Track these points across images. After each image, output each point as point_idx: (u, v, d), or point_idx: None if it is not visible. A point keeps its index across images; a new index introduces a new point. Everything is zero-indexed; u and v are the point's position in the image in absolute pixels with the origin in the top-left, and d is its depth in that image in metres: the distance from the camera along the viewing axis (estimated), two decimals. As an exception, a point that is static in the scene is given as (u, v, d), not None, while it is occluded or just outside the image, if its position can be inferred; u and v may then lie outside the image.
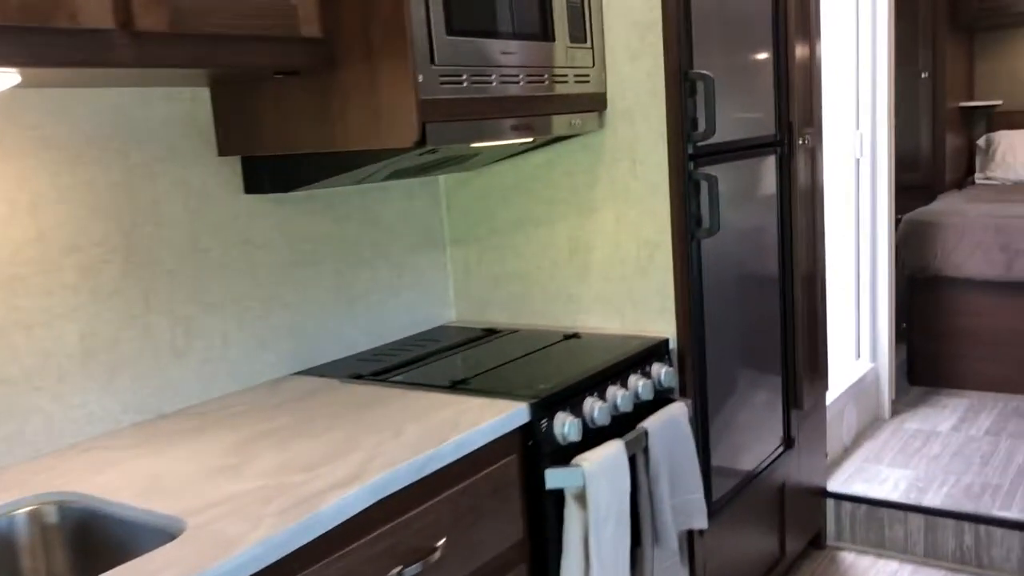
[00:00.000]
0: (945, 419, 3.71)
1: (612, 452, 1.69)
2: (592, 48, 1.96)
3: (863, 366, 3.70)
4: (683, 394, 2.07)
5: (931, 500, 2.90)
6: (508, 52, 1.72)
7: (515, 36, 1.74)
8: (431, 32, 1.54)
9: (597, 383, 1.80)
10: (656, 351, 1.99)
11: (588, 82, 1.96)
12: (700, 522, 1.95)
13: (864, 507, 2.90)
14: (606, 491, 1.65)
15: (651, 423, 1.83)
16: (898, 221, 4.10)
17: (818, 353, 2.76)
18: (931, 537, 2.80)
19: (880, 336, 3.75)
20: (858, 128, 3.60)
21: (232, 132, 1.77)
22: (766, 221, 2.44)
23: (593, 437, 1.74)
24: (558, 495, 1.66)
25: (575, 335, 2.13)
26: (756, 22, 2.33)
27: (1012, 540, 2.67)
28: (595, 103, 2.00)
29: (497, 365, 1.91)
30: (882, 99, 3.56)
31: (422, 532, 1.41)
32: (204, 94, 1.77)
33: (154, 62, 1.32)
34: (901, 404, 3.93)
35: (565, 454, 1.68)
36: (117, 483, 1.38)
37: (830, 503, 2.97)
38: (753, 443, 2.41)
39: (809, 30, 2.59)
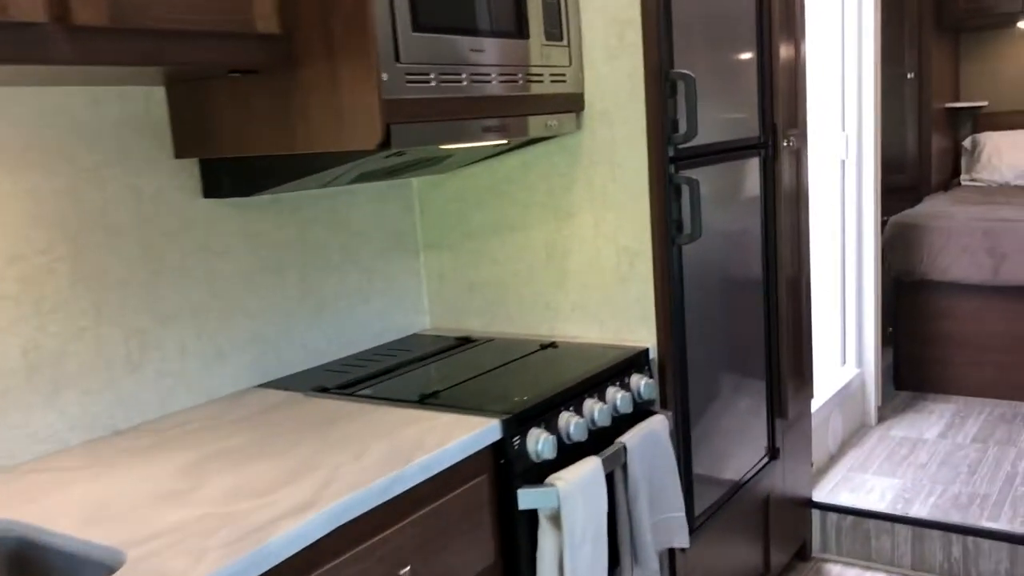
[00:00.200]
0: (932, 425, 3.65)
1: (588, 470, 1.61)
2: (569, 46, 1.88)
3: (849, 372, 3.63)
4: (664, 406, 1.99)
5: (918, 510, 2.84)
6: (479, 50, 1.64)
7: (487, 33, 1.66)
8: (396, 28, 1.45)
9: (573, 396, 1.72)
10: (635, 361, 1.92)
11: (564, 82, 1.88)
12: (681, 540, 1.87)
13: (850, 518, 2.84)
14: (582, 511, 1.57)
15: (630, 438, 1.75)
16: (884, 223, 4.04)
17: (803, 360, 2.69)
18: (918, 549, 2.73)
19: (866, 341, 3.69)
20: (843, 129, 3.53)
21: (189, 133, 1.67)
22: (750, 224, 2.37)
23: (569, 454, 1.66)
24: (532, 516, 1.58)
25: (552, 344, 2.04)
26: (739, 22, 2.26)
27: (1001, 552, 2.61)
28: (572, 104, 1.92)
29: (470, 377, 1.82)
30: (868, 100, 3.50)
31: (386, 559, 1.33)
32: (159, 93, 1.68)
33: (94, 59, 1.23)
34: (887, 410, 3.87)
35: (539, 472, 1.60)
36: (59, 509, 1.29)
37: (815, 514, 2.90)
38: (737, 454, 2.34)
39: (794, 30, 2.52)
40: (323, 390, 1.79)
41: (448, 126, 1.59)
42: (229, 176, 1.71)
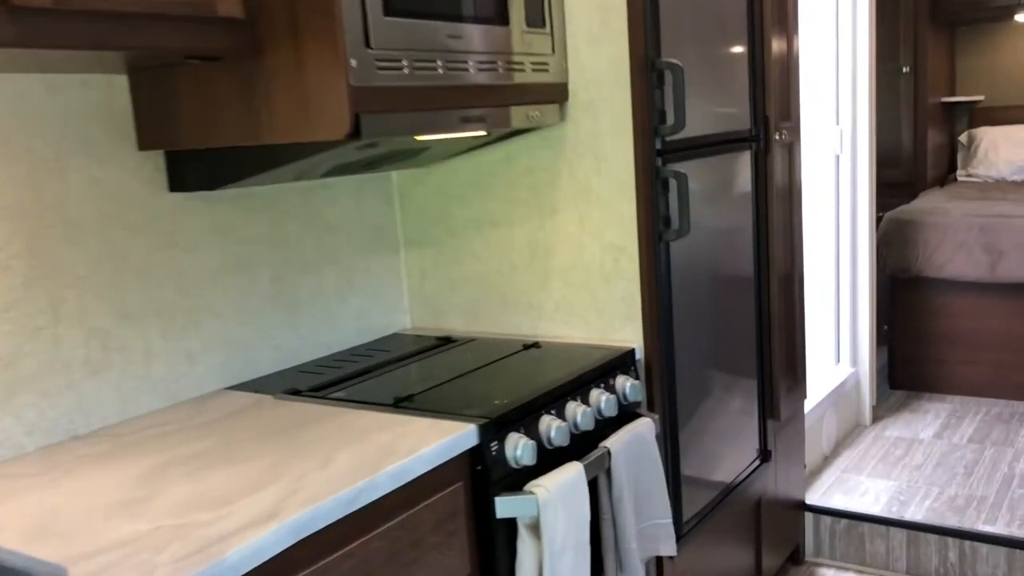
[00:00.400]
0: (928, 425, 3.59)
1: (570, 476, 1.54)
2: (551, 34, 1.81)
3: (843, 371, 3.57)
4: (650, 408, 1.92)
5: (913, 513, 2.78)
6: (456, 36, 1.56)
7: (464, 19, 1.58)
8: (365, 12, 1.38)
9: (555, 399, 1.65)
10: (621, 362, 1.84)
11: (547, 71, 1.81)
12: (668, 548, 1.80)
13: (844, 521, 2.77)
14: (563, 519, 1.50)
15: (614, 442, 1.68)
16: (879, 219, 3.98)
17: (796, 359, 2.63)
18: (913, 553, 2.67)
19: (860, 340, 3.62)
20: (838, 123, 3.46)
21: (152, 124, 1.60)
22: (741, 220, 2.30)
23: (551, 459, 1.59)
24: (511, 525, 1.51)
25: (535, 345, 1.97)
26: (731, 10, 2.19)
27: (998, 556, 2.54)
28: (555, 94, 1.85)
29: (448, 379, 1.75)
30: (863, 94, 3.43)
31: (353, 573, 1.26)
32: (121, 82, 1.60)
33: (38, 42, 1.15)
34: (882, 410, 3.80)
35: (518, 479, 1.52)
36: (6, 520, 1.22)
37: (809, 517, 2.84)
38: (727, 457, 2.27)
39: (787, 21, 2.45)
40: (295, 393, 1.72)
41: (422, 116, 1.52)
42: (194, 169, 1.63)
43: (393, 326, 2.21)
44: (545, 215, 1.98)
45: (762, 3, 2.28)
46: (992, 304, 3.82)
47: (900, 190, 4.80)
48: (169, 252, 1.69)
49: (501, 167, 2.02)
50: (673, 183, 1.88)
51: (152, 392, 1.68)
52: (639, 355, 1.91)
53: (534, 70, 1.77)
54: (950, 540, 2.62)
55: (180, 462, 1.39)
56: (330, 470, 1.31)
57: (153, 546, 1.10)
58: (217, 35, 1.37)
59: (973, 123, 5.38)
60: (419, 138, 1.61)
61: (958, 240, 3.80)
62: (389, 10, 1.42)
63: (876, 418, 3.70)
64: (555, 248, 1.99)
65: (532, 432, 1.57)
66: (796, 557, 2.80)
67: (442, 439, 1.41)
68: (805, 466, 2.86)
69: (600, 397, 1.73)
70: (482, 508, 1.49)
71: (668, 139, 1.89)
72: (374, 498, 1.28)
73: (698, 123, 2.04)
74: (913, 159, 4.92)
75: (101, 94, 1.58)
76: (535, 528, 1.49)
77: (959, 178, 5.26)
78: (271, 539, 1.12)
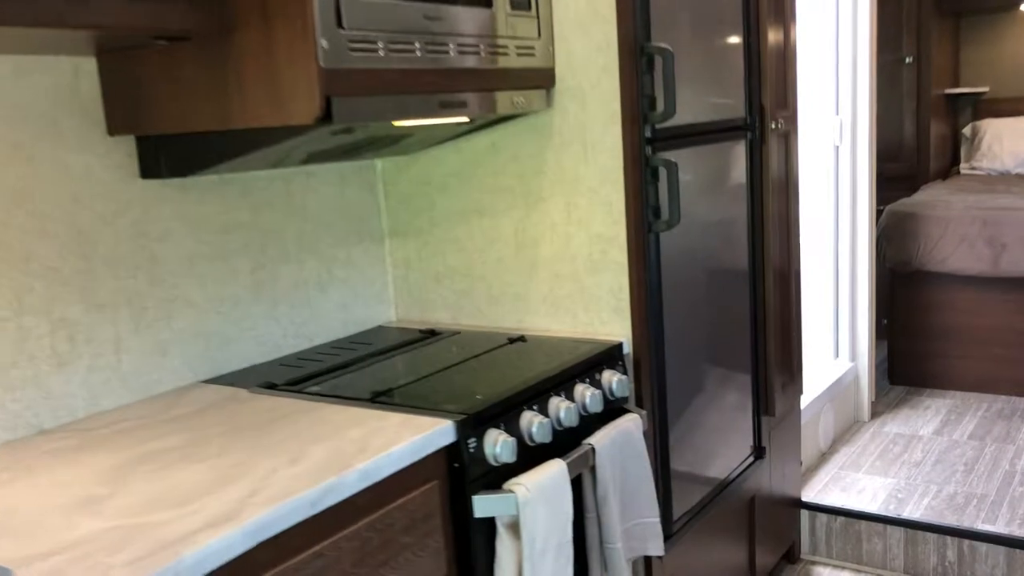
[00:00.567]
0: (927, 422, 3.53)
1: (551, 474, 1.49)
2: (537, 16, 1.75)
3: (842, 366, 3.51)
4: (639, 404, 1.87)
5: (912, 511, 2.72)
6: (435, 17, 1.51)
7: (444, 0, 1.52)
8: (338, -9, 1.32)
9: (538, 395, 1.59)
10: (608, 356, 1.79)
11: (533, 55, 1.75)
12: (655, 548, 1.75)
13: (840, 519, 2.72)
14: (544, 519, 1.45)
15: (599, 439, 1.63)
16: (880, 212, 3.91)
17: (792, 355, 2.57)
18: (911, 552, 2.62)
19: (859, 334, 3.57)
20: (837, 114, 3.40)
21: (122, 108, 1.54)
22: (735, 211, 2.24)
23: (532, 456, 1.54)
24: (490, 525, 1.46)
25: (521, 338, 1.92)
26: (725, -6, 2.13)
27: (998, 555, 2.49)
28: (541, 79, 1.79)
29: (430, 373, 1.70)
30: (863, 84, 3.36)
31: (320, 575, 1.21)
32: (89, 65, 1.55)
33: (-10, 19, 1.10)
34: (881, 405, 3.75)
35: (498, 477, 1.47)
36: (-41, 518, 1.17)
37: (805, 514, 2.78)
38: (720, 454, 2.21)
39: (784, 7, 2.39)
40: (271, 386, 1.67)
41: (399, 100, 1.46)
42: (166, 155, 1.58)
43: (377, 318, 2.16)
44: (531, 205, 1.93)
45: (759, -12, 2.22)
46: (994, 298, 3.76)
47: (902, 183, 4.73)
48: (141, 240, 1.64)
49: (486, 155, 1.96)
50: (663, 172, 1.83)
51: (123, 385, 1.63)
52: (627, 349, 1.85)
53: (519, 54, 1.72)
54: (949, 539, 2.57)
55: (146, 458, 1.34)
56: (298, 468, 1.25)
57: (109, 546, 1.05)
58: (183, 14, 1.31)
59: (977, 115, 5.31)
60: (397, 124, 1.55)
61: (960, 233, 3.74)
62: (363, -11, 1.36)
63: (875, 414, 3.64)
64: (542, 239, 1.93)
65: (513, 428, 1.52)
66: (791, 555, 2.75)
67: (416, 436, 1.36)
68: (801, 463, 2.81)
69: (585, 393, 1.68)
70: (460, 507, 1.44)
71: (658, 127, 1.83)
72: (342, 498, 1.22)
73: (690, 111, 1.98)
74: (915, 151, 4.85)
75: (69, 77, 1.52)
76: (514, 528, 1.44)
77: (962, 171, 5.19)
78: (230, 541, 1.07)
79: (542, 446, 1.57)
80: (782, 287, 2.48)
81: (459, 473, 1.43)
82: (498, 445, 1.45)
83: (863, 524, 2.68)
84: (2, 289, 1.45)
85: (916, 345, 3.95)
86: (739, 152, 2.23)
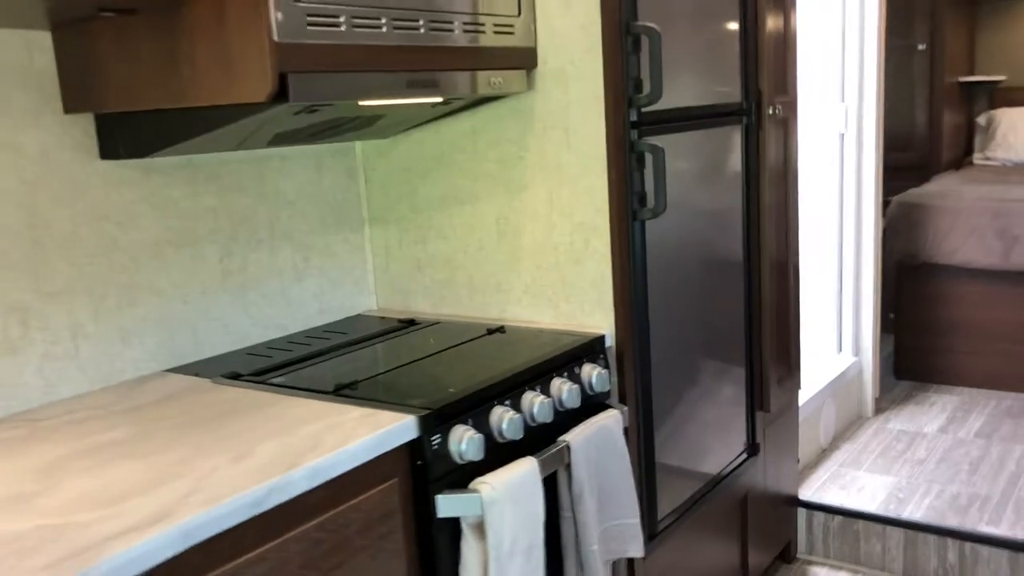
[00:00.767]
0: (933, 418, 3.44)
1: (520, 473, 1.42)
2: (516, -7, 1.67)
3: (845, 360, 3.42)
4: (622, 399, 1.79)
5: (912, 512, 2.64)
6: (403, -8, 1.43)
7: (413, -27, 1.45)
8: (293, -39, 1.25)
9: (510, 389, 1.52)
10: (589, 350, 1.71)
11: (512, 34, 1.67)
12: (635, 550, 1.68)
13: (838, 518, 2.64)
14: (511, 519, 1.38)
15: (574, 436, 1.56)
16: (887, 203, 3.81)
17: (789, 348, 2.48)
18: (911, 553, 2.53)
19: (864, 327, 3.47)
20: (843, 100, 3.29)
21: (78, 85, 1.48)
22: (730, 200, 2.16)
23: (503, 454, 1.47)
24: (455, 525, 1.39)
25: (500, 329, 1.85)
26: (720, -28, 2.04)
27: (1000, 559, 2.40)
28: (521, 59, 1.71)
29: (400, 365, 1.63)
30: (870, 70, 3.26)
31: (265, 578, 1.14)
32: (44, 40, 1.48)
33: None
34: (885, 401, 3.65)
35: (465, 475, 1.40)
36: None
37: (801, 513, 2.70)
38: (711, 450, 2.14)
39: (785, -14, 2.29)
40: (235, 377, 1.60)
41: (363, 78, 1.39)
42: (122, 134, 1.51)
43: (357, 307, 2.09)
44: (513, 192, 1.85)
45: (758, -32, 2.13)
46: (1004, 292, 3.65)
47: (913, 173, 4.62)
48: (101, 224, 1.58)
49: (467, 140, 1.89)
50: (649, 157, 1.74)
51: (81, 373, 1.57)
52: (609, 342, 1.78)
53: (496, 32, 1.64)
54: (950, 541, 2.48)
55: (89, 452, 1.28)
56: (244, 465, 1.19)
57: (27, 548, 0.99)
58: (128, -16, 1.24)
59: (993, 104, 5.18)
60: (363, 104, 1.48)
61: (970, 225, 3.63)
62: (321, -41, 1.28)
63: (878, 410, 3.55)
64: (523, 227, 1.86)
65: (481, 424, 1.44)
66: (787, 555, 2.68)
67: (375, 432, 1.29)
68: (799, 460, 2.73)
69: (562, 387, 1.60)
70: (422, 507, 1.37)
71: (645, 110, 1.75)
72: (289, 497, 1.16)
73: (681, 94, 1.89)
74: (927, 141, 4.73)
75: (21, 52, 1.46)
76: (480, 529, 1.37)
77: (976, 161, 5.07)
78: (157, 544, 1.01)
79: (513, 443, 1.50)
80: (779, 278, 2.39)
81: (422, 471, 1.36)
82: (463, 442, 1.38)
83: (861, 524, 2.60)
84: (-52, 273, 1.39)
85: (923, 339, 3.85)
86: (734, 138, 2.15)
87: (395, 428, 1.32)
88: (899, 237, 3.79)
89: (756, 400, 2.33)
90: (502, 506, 1.37)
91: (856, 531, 2.62)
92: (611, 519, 1.64)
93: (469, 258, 1.95)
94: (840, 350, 3.48)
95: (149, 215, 1.65)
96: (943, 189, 3.94)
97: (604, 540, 1.63)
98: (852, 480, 2.89)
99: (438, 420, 1.38)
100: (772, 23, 2.21)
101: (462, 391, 1.44)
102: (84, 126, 1.55)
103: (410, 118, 1.82)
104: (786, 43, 2.31)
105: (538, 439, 1.55)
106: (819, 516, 2.67)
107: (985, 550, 2.43)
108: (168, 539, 1.01)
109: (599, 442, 1.60)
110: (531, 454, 1.48)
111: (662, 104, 1.79)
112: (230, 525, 1.08)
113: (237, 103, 1.29)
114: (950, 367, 3.81)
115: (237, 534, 1.10)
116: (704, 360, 2.08)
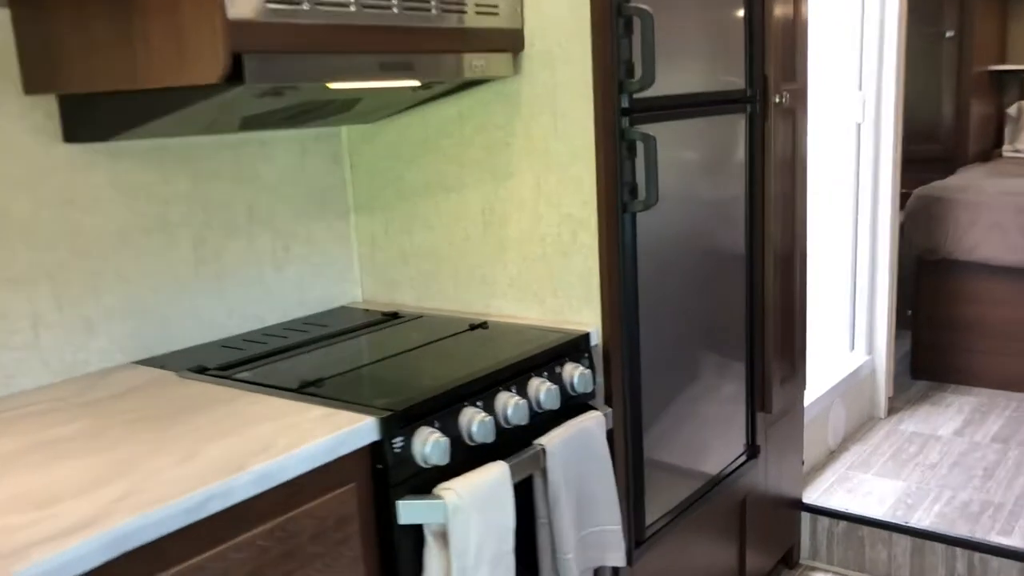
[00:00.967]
0: (948, 420, 3.32)
1: (489, 478, 1.35)
2: (501, -28, 1.59)
3: (857, 358, 3.31)
4: (609, 400, 1.72)
5: (921, 518, 2.54)
6: (374, -31, 1.35)
7: (386, -51, 1.37)
8: (249, -67, 1.17)
9: (483, 389, 1.45)
10: (572, 348, 1.64)
11: (496, 14, 1.59)
12: (615, 559, 1.60)
13: (843, 523, 2.54)
14: (477, 527, 1.31)
15: (551, 439, 1.48)
16: (906, 196, 3.68)
17: (794, 347, 2.39)
18: (918, 562, 2.44)
19: (878, 325, 3.36)
20: (860, 89, 3.17)
21: (38, 64, 1.42)
22: (732, 191, 2.06)
23: (473, 457, 1.40)
24: (418, 532, 1.32)
25: (483, 324, 1.77)
26: (725, -48, 1.94)
27: (1011, 571, 2.30)
28: (506, 41, 1.63)
29: (373, 361, 1.57)
30: (890, 56, 3.13)
31: (206, 588, 1.08)
32: (3, 16, 1.42)
33: None
34: (900, 401, 3.54)
35: (430, 480, 1.33)
36: None
37: (806, 517, 2.61)
38: (707, 453, 2.05)
39: (796, -33, 2.19)
40: (201, 370, 1.54)
41: (329, 60, 1.32)
42: (83, 116, 1.45)
43: (341, 298, 2.03)
44: (500, 180, 1.77)
45: (767, -52, 2.03)
46: (1027, 291, 3.52)
47: (938, 165, 4.47)
48: (64, 209, 1.52)
49: (453, 126, 1.81)
50: (640, 146, 1.66)
51: (43, 365, 1.52)
52: (595, 340, 1.70)
53: (479, 12, 1.56)
54: (959, 550, 2.38)
55: (38, 448, 1.23)
56: (188, 467, 1.13)
57: (-59, 556, 0.93)
58: (75, -42, 1.18)
59: (1024, 94, 5.01)
60: (334, 87, 1.40)
61: (992, 220, 3.49)
62: (280, -68, 1.21)
63: (892, 410, 3.44)
64: (510, 218, 1.78)
65: (449, 427, 1.37)
66: (790, 560, 2.59)
67: (332, 433, 1.22)
68: (803, 462, 2.64)
69: (540, 387, 1.53)
70: (384, 513, 1.30)
71: (637, 96, 1.66)
72: (232, 503, 1.09)
73: (677, 79, 1.80)
74: (953, 132, 4.58)
75: (-21, 30, 1.40)
76: (444, 536, 1.30)
77: (1005, 154, 4.90)
78: (83, 551, 0.95)
79: (485, 446, 1.43)
80: (784, 273, 2.29)
81: (382, 475, 1.29)
82: (428, 445, 1.31)
83: (867, 530, 2.51)
84: (-102, 259, 1.34)
85: (941, 337, 3.73)
86: (738, 127, 2.05)
87: (354, 430, 1.25)
88: (918, 231, 3.66)
89: (757, 400, 2.24)
90: (467, 513, 1.30)
91: (861, 537, 2.52)
92: (590, 526, 1.57)
93: (455, 249, 1.88)
94: (853, 348, 3.37)
95: (117, 200, 1.59)
96: (965, 182, 3.80)
97: (582, 548, 1.56)
98: (860, 484, 2.79)
99: (402, 422, 1.31)
100: (780, 7, 2.10)
101: (429, 391, 1.37)
102: (46, 108, 1.49)
103: (392, 103, 1.74)
104: (795, 28, 2.21)
105: (514, 442, 1.47)
106: (823, 521, 2.58)
107: (995, 561, 2.32)
108: (93, 546, 0.95)
109: (578, 445, 1.53)
110: (505, 458, 1.41)
111: (657, 90, 1.71)
112: (166, 532, 1.02)
113: (190, 85, 1.22)
114: (968, 367, 3.69)
115: (173, 542, 1.04)
116: (701, 358, 2.00)
